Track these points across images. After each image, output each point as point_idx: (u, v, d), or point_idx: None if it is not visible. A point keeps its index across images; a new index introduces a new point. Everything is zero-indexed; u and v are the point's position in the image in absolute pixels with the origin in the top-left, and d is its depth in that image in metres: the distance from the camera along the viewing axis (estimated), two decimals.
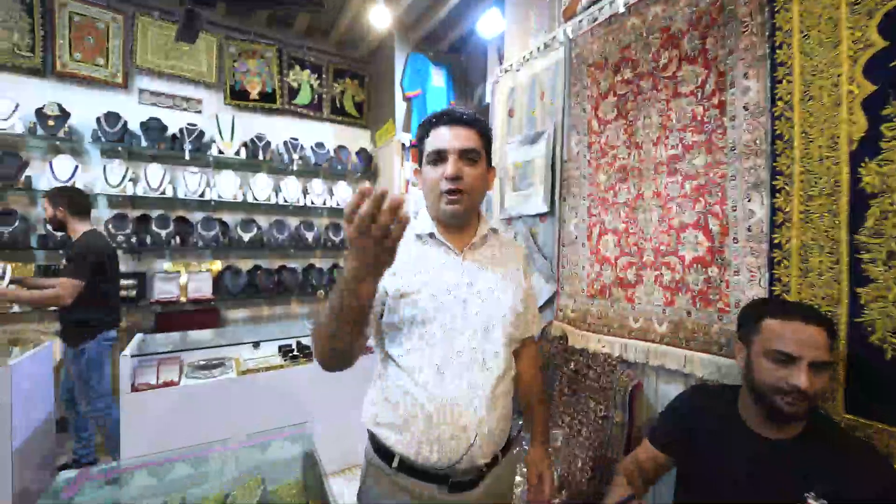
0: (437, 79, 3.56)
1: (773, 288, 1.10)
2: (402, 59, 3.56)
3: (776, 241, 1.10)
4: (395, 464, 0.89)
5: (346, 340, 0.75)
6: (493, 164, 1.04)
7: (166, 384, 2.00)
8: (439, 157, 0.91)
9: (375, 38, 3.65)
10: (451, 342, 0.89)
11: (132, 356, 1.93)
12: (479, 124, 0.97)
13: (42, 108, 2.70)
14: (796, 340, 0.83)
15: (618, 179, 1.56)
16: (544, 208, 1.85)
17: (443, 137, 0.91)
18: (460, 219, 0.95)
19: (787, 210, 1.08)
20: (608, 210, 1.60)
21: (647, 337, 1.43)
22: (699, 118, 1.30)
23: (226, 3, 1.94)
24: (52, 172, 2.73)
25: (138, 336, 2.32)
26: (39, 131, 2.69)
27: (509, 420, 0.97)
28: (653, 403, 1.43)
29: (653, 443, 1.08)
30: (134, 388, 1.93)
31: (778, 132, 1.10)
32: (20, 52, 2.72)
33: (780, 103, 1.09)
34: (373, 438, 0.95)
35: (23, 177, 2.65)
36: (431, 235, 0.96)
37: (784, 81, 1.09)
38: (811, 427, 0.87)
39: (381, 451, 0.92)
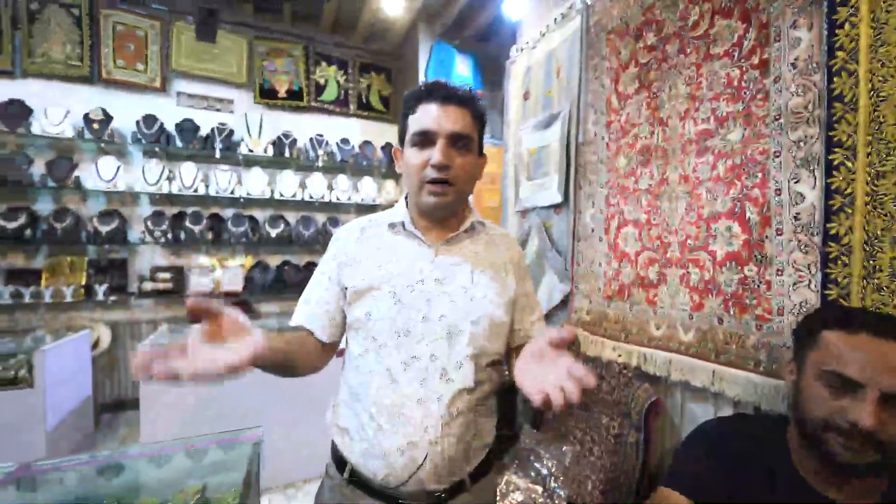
0: (463, 68, 3.42)
1: (828, 292, 0.87)
2: (426, 51, 3.46)
3: (832, 233, 0.86)
4: (346, 474, 0.81)
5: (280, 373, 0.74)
6: (483, 152, 0.90)
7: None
8: (426, 138, 0.78)
9: (400, 30, 3.58)
10: (408, 346, 0.77)
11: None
12: (475, 104, 0.83)
13: (89, 113, 2.90)
14: (861, 361, 0.61)
15: (639, 163, 1.35)
16: (558, 198, 1.66)
17: (431, 116, 0.78)
18: (444, 212, 0.83)
19: (847, 192, 0.84)
20: (628, 198, 1.39)
21: (670, 346, 1.22)
22: (735, 83, 1.07)
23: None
24: (98, 173, 2.92)
25: (163, 327, 2.42)
26: (87, 135, 2.89)
27: (484, 445, 0.83)
28: (676, 423, 1.22)
29: (677, 488, 0.78)
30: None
31: (836, 92, 0.86)
32: (71, 62, 2.94)
33: (839, 54, 0.85)
34: (332, 444, 0.86)
35: (73, 177, 2.86)
36: (404, 226, 0.85)
37: (846, 24, 0.84)
38: None
39: (336, 457, 0.84)
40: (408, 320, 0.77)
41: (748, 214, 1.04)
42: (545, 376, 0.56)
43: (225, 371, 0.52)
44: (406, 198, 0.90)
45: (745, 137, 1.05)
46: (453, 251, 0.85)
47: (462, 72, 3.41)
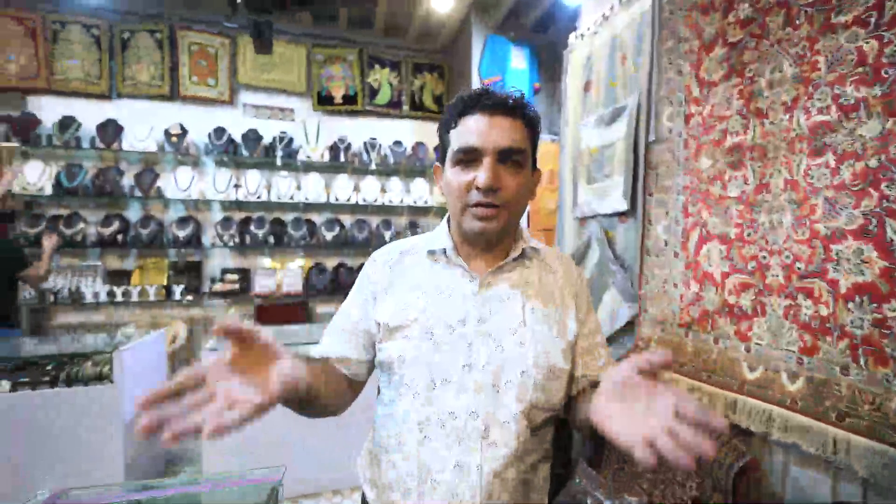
0: (518, 61, 3.22)
1: None
2: (480, 45, 3.31)
3: None
4: None
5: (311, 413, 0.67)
6: (537, 166, 0.76)
7: None
8: (470, 156, 0.67)
9: (453, 27, 3.46)
10: (444, 398, 0.65)
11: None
12: (527, 112, 0.70)
13: (168, 128, 3.16)
14: None
15: (728, 164, 1.10)
16: (624, 205, 1.44)
17: (476, 129, 0.66)
18: (490, 240, 0.71)
19: None
20: (713, 208, 1.15)
21: (769, 396, 0.98)
22: (869, 60, 0.81)
23: (275, 7, 1.94)
24: (176, 182, 3.17)
25: None
26: (167, 148, 3.15)
27: None
28: (777, 491, 0.98)
29: None
30: None
31: None
32: (154, 82, 3.21)
33: None
34: (362, 495, 0.78)
35: (155, 187, 3.14)
36: (445, 253, 0.73)
37: None
38: None
39: None
40: (446, 367, 0.66)
41: (889, 235, 0.78)
42: (643, 419, 0.42)
43: (251, 416, 0.42)
44: (448, 220, 0.78)
45: (885, 132, 0.78)
46: (501, 283, 0.72)
47: (518, 64, 3.21)
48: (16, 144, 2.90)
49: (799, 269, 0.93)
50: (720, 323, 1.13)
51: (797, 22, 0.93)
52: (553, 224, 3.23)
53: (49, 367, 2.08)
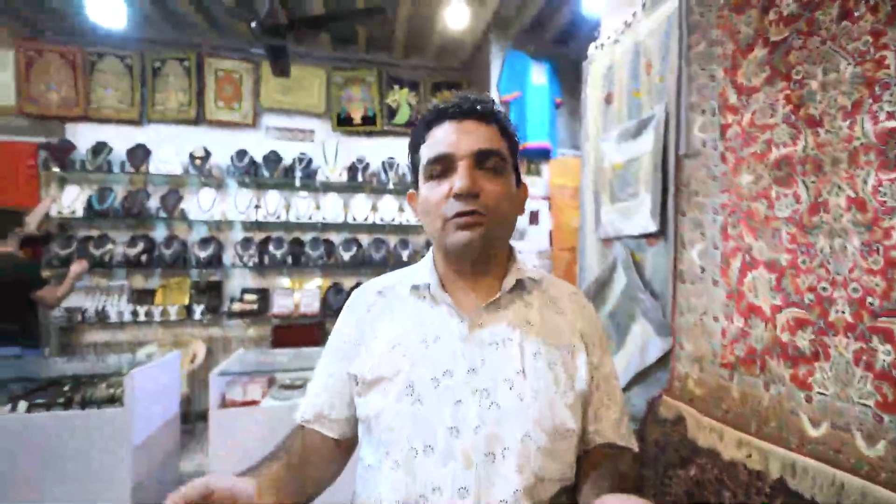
0: (538, 76, 3.14)
1: None
2: (499, 61, 3.25)
3: None
4: None
5: None
6: (521, 181, 0.69)
7: (248, 403, 2.07)
8: (443, 164, 0.60)
9: (471, 44, 3.43)
10: (427, 469, 0.54)
11: (220, 374, 2.04)
12: (501, 119, 0.64)
13: (193, 151, 3.24)
14: None
15: (775, 180, 0.95)
16: (653, 226, 1.30)
17: (447, 137, 0.60)
18: (476, 253, 0.60)
19: None
20: (758, 230, 0.99)
21: (839, 460, 0.80)
22: None
23: (290, 32, 1.95)
24: (199, 203, 3.24)
25: (239, 351, 2.52)
26: (191, 170, 3.23)
27: None
28: None
29: None
30: (223, 405, 2.04)
31: None
32: (182, 107, 3.33)
33: None
34: None
35: (179, 208, 3.21)
36: (430, 289, 0.64)
37: None
38: None
39: None
40: (429, 430, 0.54)
41: None
42: None
43: None
44: (432, 252, 0.68)
45: None
46: (496, 323, 0.61)
47: (538, 80, 3.12)
48: (56, 170, 3.04)
49: (871, 305, 0.77)
50: (771, 365, 0.96)
51: (855, 14, 0.79)
52: (578, 243, 3.06)
53: (66, 389, 2.09)
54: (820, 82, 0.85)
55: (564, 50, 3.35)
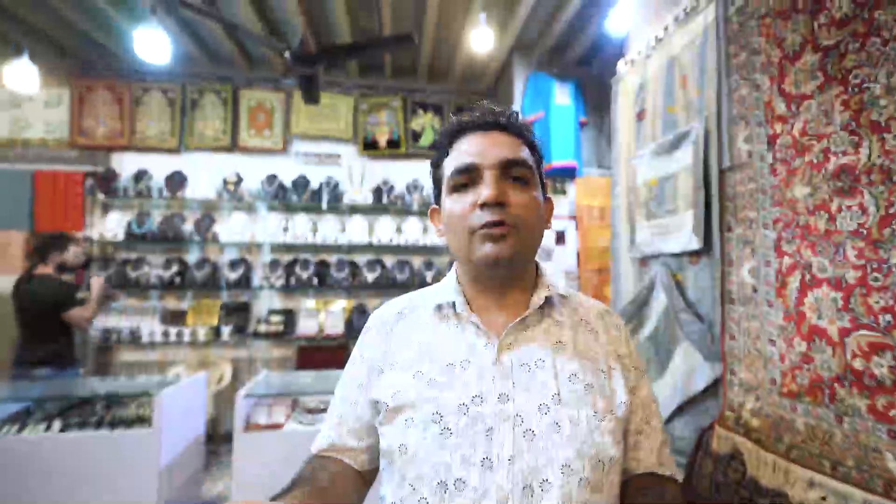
0: (562, 96, 3.14)
1: None
2: (522, 83, 3.28)
3: None
4: None
5: None
6: (547, 194, 0.67)
7: (272, 426, 2.04)
8: (468, 176, 0.58)
9: (495, 67, 3.48)
10: None
11: (246, 396, 2.03)
12: (527, 131, 0.63)
13: (226, 177, 3.37)
14: None
15: (836, 191, 0.88)
16: (695, 243, 1.23)
17: (472, 149, 0.59)
18: (505, 267, 0.58)
19: None
20: (817, 245, 0.92)
21: None
22: None
23: (321, 61, 2.02)
24: (230, 226, 3.34)
25: (262, 373, 2.51)
26: (224, 195, 3.35)
27: None
28: None
29: None
30: (247, 428, 2.02)
31: None
32: (217, 136, 3.49)
33: None
34: None
35: (212, 231, 3.31)
36: (455, 308, 0.60)
37: None
38: None
39: None
40: (459, 463, 0.50)
41: None
42: None
43: None
44: (456, 270, 0.65)
45: None
46: (527, 345, 0.57)
47: (562, 100, 3.12)
48: (100, 197, 3.21)
49: None
50: (842, 394, 0.86)
51: None
52: (606, 264, 2.97)
53: (98, 408, 2.13)
54: (884, 85, 0.79)
55: (588, 70, 3.35)
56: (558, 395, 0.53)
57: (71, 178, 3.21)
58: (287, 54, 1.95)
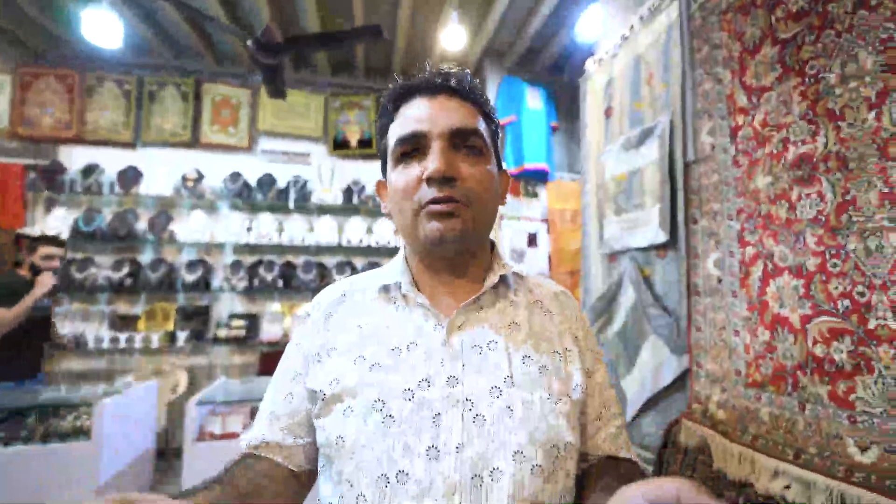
0: (534, 101, 3.17)
1: None
2: (494, 87, 3.30)
3: None
4: None
5: None
6: (503, 167, 0.63)
7: (226, 436, 1.91)
8: (414, 145, 0.53)
9: (467, 69, 3.49)
10: (398, 502, 0.43)
11: (199, 403, 1.90)
12: (478, 96, 0.58)
13: (185, 173, 3.20)
14: None
15: (795, 180, 0.90)
16: (662, 236, 1.23)
17: (417, 115, 0.53)
18: (453, 247, 0.53)
19: None
20: (779, 234, 0.93)
21: (893, 489, 0.69)
22: None
23: (285, 52, 1.95)
24: (189, 225, 3.16)
25: (220, 379, 2.37)
26: (183, 192, 3.17)
27: None
28: None
29: None
30: (199, 437, 1.88)
31: None
32: (177, 130, 3.32)
33: None
34: None
35: (168, 230, 3.12)
36: (401, 288, 0.55)
37: None
38: None
39: None
40: (402, 453, 0.45)
41: None
42: None
43: None
44: (405, 249, 0.60)
45: None
46: (478, 326, 0.52)
47: (534, 105, 3.15)
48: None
49: None
50: (804, 382, 0.86)
51: (872, 3, 0.76)
52: (578, 266, 2.98)
53: (29, 420, 1.93)
54: (838, 75, 0.81)
55: (559, 76, 3.42)
56: (511, 377, 0.49)
57: (9, 169, 2.96)
58: (250, 42, 1.86)
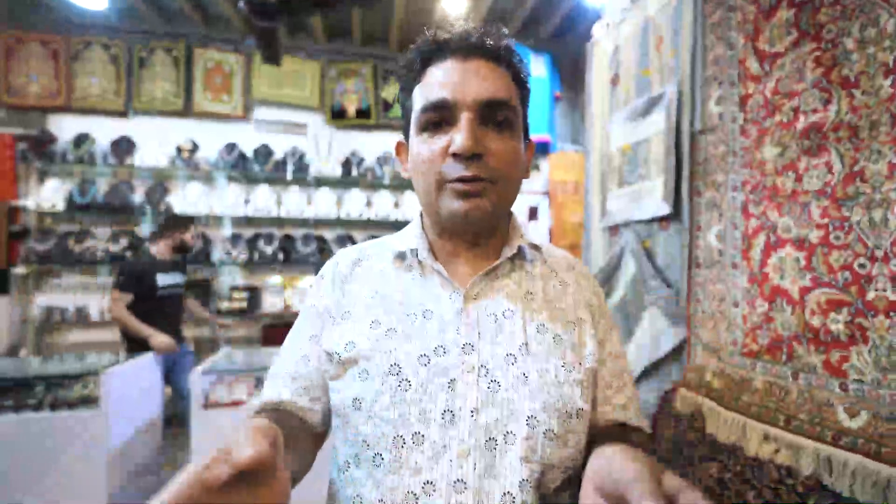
0: (538, 68, 3.08)
1: None
2: None
3: None
4: None
5: None
6: (529, 136, 0.59)
7: (232, 403, 1.95)
8: (441, 115, 0.50)
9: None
10: (417, 463, 0.45)
11: (204, 372, 1.93)
12: (512, 58, 0.53)
13: (180, 144, 3.13)
14: None
15: (804, 151, 0.88)
16: (665, 208, 1.22)
17: (447, 79, 0.50)
18: (476, 227, 0.52)
19: None
20: (783, 206, 0.92)
21: (882, 454, 0.72)
22: None
23: (280, 15, 1.86)
24: (185, 197, 3.13)
25: (225, 348, 2.40)
26: (178, 163, 3.12)
27: None
28: None
29: None
30: (206, 405, 1.93)
31: None
32: (169, 99, 3.22)
33: None
34: None
35: (165, 202, 3.09)
36: (417, 255, 0.55)
37: None
38: None
39: None
40: (418, 418, 0.46)
41: None
42: None
43: None
44: (421, 216, 0.59)
45: None
46: (494, 295, 0.52)
47: (538, 72, 3.07)
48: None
49: None
50: (800, 352, 0.88)
51: None
52: (579, 240, 2.99)
53: (37, 390, 1.97)
54: (856, 39, 0.78)
55: (563, 43, 3.30)
56: (526, 345, 0.49)
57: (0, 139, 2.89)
58: (241, 3, 1.78)
